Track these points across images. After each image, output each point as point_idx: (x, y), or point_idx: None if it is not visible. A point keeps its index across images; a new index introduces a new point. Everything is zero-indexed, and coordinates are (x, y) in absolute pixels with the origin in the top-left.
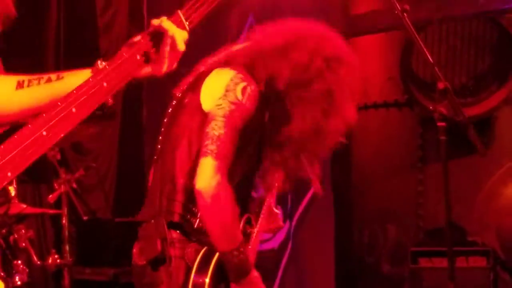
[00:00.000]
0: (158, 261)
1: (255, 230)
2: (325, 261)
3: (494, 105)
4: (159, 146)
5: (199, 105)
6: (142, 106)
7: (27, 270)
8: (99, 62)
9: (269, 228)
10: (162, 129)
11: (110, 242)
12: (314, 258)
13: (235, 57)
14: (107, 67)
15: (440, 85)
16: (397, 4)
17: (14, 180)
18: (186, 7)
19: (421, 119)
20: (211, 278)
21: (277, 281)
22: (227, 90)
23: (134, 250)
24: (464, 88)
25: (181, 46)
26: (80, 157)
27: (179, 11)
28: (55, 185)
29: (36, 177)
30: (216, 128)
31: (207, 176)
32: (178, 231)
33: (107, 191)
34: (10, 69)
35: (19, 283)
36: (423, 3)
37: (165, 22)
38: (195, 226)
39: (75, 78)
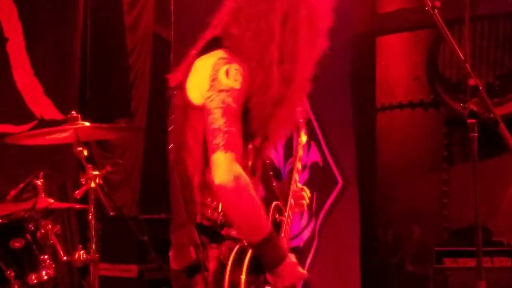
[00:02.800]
0: (193, 268)
1: (286, 216)
2: (350, 261)
3: None
4: (171, 155)
5: (189, 102)
6: (168, 102)
7: (53, 265)
8: None
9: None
10: (170, 136)
11: (135, 239)
12: (339, 257)
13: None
14: None
15: (471, 82)
16: (427, 0)
17: (41, 175)
18: None
19: (446, 119)
20: (247, 274)
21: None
22: (212, 80)
23: (170, 254)
24: (491, 88)
25: None
26: (106, 154)
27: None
28: (82, 180)
29: (62, 173)
30: (214, 121)
31: (223, 170)
32: (209, 235)
33: (133, 187)
34: (39, 69)
35: (45, 277)
36: (450, 2)
37: None
38: (219, 221)
39: None
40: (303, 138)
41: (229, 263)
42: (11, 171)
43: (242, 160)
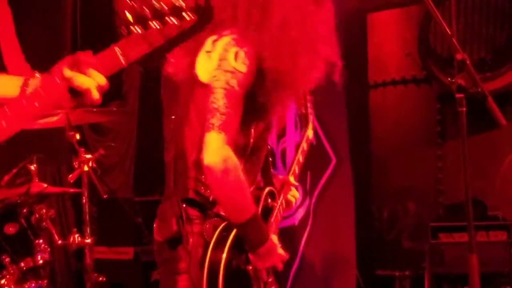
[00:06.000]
0: (175, 240)
1: (278, 203)
2: (345, 238)
3: None
4: (172, 126)
5: (196, 78)
6: (160, 84)
7: (48, 249)
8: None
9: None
10: (171, 109)
11: (130, 221)
12: (335, 235)
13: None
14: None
15: (458, 56)
16: None
17: (34, 160)
18: (123, 42)
19: (439, 94)
20: (228, 253)
21: (298, 257)
22: (220, 60)
23: (155, 225)
24: (483, 63)
25: (96, 97)
26: (99, 137)
27: (115, 48)
28: (75, 164)
29: (55, 157)
30: (215, 101)
31: (214, 150)
32: (196, 209)
33: (126, 170)
34: (30, 54)
35: (41, 262)
36: None
37: (77, 80)
38: (211, 199)
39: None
40: (310, 132)
41: (213, 240)
42: (3, 156)
43: (240, 138)
